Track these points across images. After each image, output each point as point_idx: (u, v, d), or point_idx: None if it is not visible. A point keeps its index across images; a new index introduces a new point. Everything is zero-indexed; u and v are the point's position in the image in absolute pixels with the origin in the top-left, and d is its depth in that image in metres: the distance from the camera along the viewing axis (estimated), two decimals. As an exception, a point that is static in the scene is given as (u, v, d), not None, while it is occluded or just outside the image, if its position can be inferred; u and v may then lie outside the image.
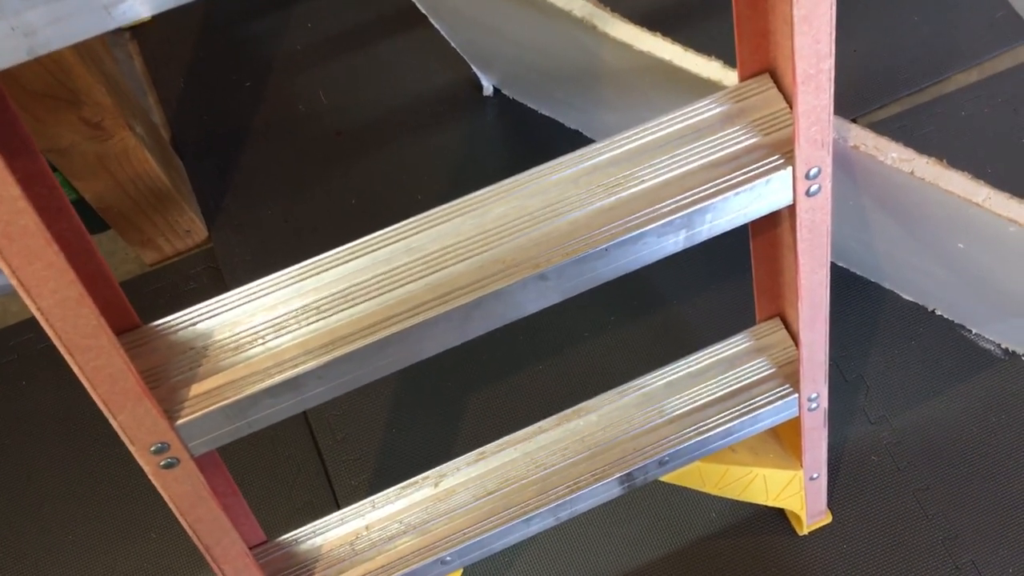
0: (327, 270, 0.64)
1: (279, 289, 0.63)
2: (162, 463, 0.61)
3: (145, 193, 1.15)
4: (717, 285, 1.24)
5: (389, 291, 0.63)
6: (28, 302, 0.48)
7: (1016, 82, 1.32)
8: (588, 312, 1.23)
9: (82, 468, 1.19)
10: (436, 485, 0.86)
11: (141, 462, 0.60)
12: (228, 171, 1.36)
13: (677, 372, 0.89)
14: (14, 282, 0.47)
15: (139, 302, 1.29)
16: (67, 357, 0.52)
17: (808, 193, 0.68)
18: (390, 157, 1.36)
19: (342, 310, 0.62)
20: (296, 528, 0.83)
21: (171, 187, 1.17)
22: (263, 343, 0.61)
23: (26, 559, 1.15)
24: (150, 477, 0.62)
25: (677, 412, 0.88)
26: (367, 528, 0.84)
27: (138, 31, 1.47)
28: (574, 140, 1.34)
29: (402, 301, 0.62)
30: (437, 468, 0.87)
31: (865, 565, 1.08)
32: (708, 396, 0.88)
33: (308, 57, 1.43)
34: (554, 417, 0.89)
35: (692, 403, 0.88)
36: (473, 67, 1.34)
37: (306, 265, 0.64)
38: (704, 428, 0.87)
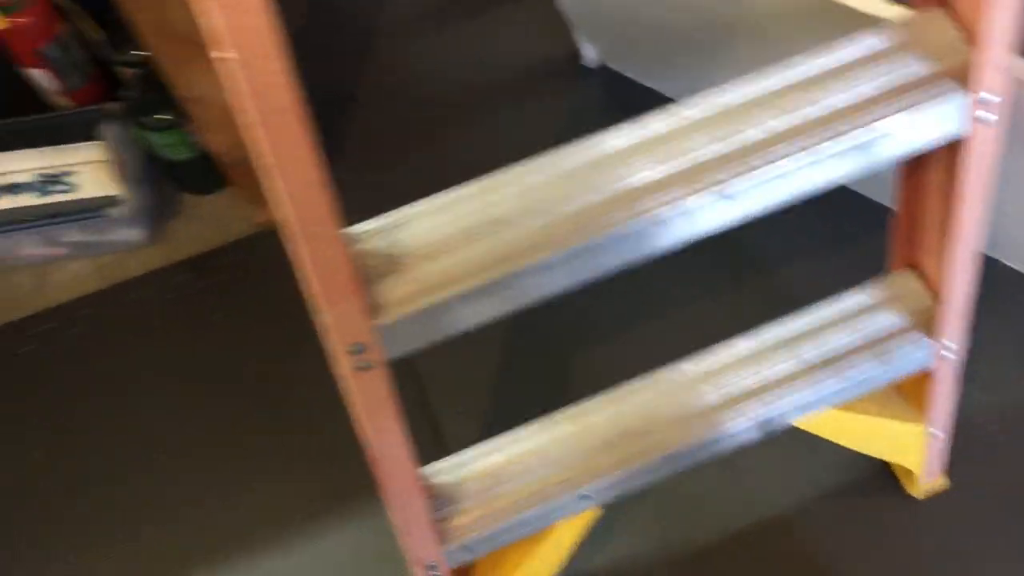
0: (510, 185, 0.65)
1: (465, 202, 0.65)
2: (358, 364, 0.62)
3: (268, 149, 1.18)
4: (824, 252, 1.25)
5: (569, 203, 0.64)
6: (278, 183, 0.50)
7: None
8: (694, 274, 1.24)
9: (194, 422, 1.22)
10: (576, 422, 0.87)
11: (339, 362, 0.62)
12: (329, 136, 1.38)
13: (811, 319, 0.90)
14: (270, 161, 0.49)
15: (251, 260, 1.32)
16: (298, 245, 0.54)
17: (983, 121, 0.68)
18: (488, 126, 1.38)
19: (531, 219, 0.64)
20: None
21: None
22: (455, 253, 0.63)
23: (136, 509, 1.17)
24: (344, 378, 0.63)
25: (813, 359, 0.89)
26: (508, 461, 0.86)
27: None
28: (676, 111, 1.35)
29: (581, 212, 0.63)
30: (578, 405, 0.88)
31: (983, 533, 1.07)
32: (843, 344, 0.89)
33: (410, 24, 1.46)
34: (691, 359, 0.90)
35: (828, 350, 0.89)
36: (578, 36, 1.36)
37: (491, 178, 0.66)
38: (840, 375, 0.88)
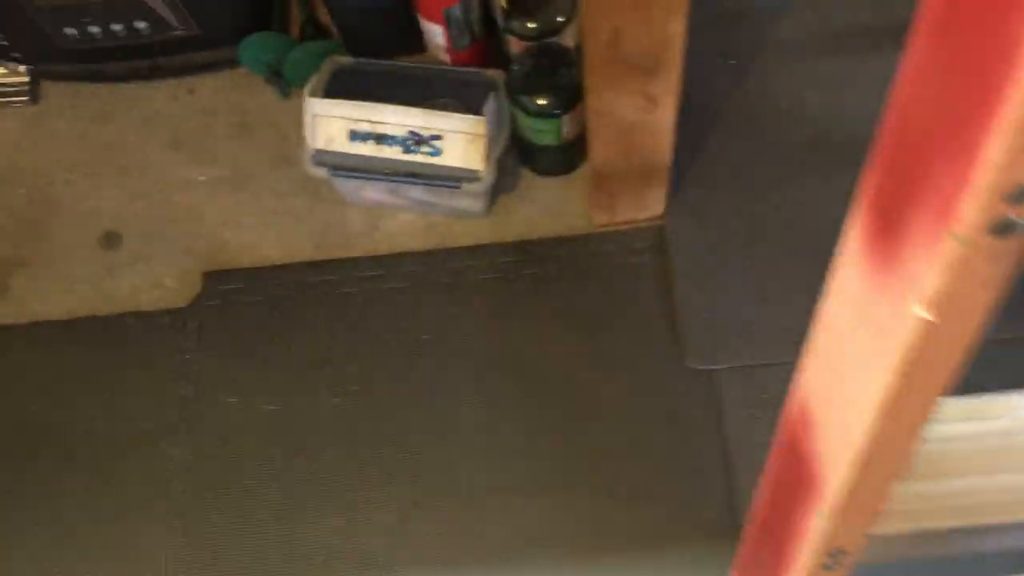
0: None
1: (988, 420, 0.56)
2: (826, 564, 0.56)
3: (642, 165, 1.11)
4: None
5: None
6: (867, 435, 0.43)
7: None
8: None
9: (484, 412, 1.20)
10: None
11: (801, 557, 0.56)
12: (694, 150, 1.30)
13: None
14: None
15: (579, 260, 1.27)
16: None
17: None
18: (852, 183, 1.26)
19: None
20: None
21: (669, 165, 1.13)
22: (967, 477, 0.55)
23: (397, 479, 1.17)
24: (797, 569, 0.57)
25: None
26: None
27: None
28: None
29: None
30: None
31: None
32: None
33: (804, 49, 1.34)
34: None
35: None
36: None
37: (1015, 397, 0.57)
38: None
